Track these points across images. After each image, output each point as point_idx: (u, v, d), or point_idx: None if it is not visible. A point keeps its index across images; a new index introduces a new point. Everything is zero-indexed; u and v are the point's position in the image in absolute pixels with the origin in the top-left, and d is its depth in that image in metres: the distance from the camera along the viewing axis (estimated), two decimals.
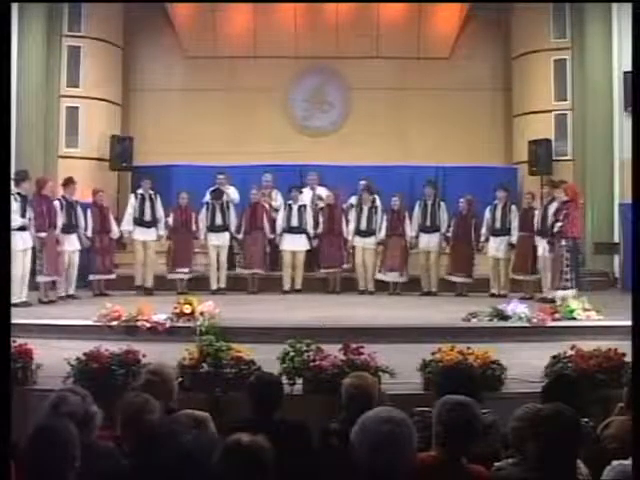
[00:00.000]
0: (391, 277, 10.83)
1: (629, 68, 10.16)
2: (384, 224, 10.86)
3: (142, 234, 10.72)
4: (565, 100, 12.86)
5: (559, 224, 9.02)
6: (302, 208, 11.04)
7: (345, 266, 11.01)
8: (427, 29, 13.91)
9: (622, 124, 11.77)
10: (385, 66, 13.90)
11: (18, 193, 9.09)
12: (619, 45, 11.85)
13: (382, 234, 10.85)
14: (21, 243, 8.99)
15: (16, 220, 8.84)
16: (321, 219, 11.06)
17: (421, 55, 13.99)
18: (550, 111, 12.97)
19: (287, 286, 10.88)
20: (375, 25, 13.84)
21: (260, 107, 13.68)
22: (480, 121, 13.85)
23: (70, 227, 9.95)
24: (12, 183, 9.19)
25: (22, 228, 9.04)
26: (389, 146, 13.62)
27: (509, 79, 13.96)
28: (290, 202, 11.08)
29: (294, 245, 10.96)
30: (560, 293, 8.82)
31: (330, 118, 14.28)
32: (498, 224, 10.64)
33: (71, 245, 9.96)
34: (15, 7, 11.15)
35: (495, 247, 10.65)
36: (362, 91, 13.88)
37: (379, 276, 10.87)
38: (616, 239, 11.76)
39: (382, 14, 13.81)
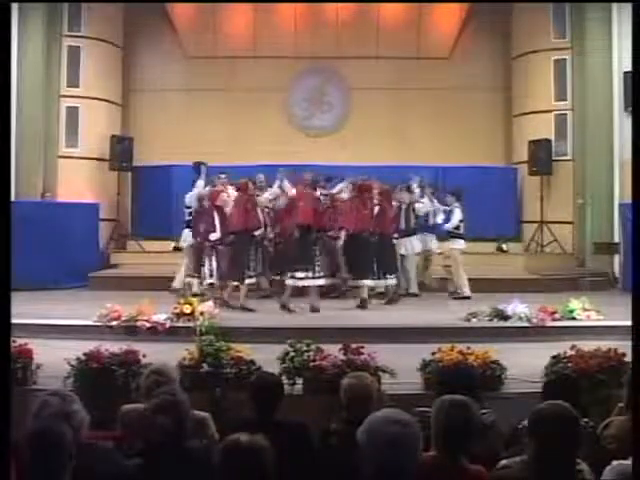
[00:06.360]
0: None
1: (629, 68, 10.16)
2: None
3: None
4: (565, 100, 12.86)
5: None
6: None
7: None
8: (427, 29, 13.92)
9: (622, 124, 11.76)
10: (385, 66, 13.90)
11: None
12: (619, 45, 11.84)
13: None
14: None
15: None
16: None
17: (421, 55, 14.00)
18: (550, 111, 12.98)
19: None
20: (375, 25, 13.84)
21: (260, 107, 13.68)
22: (480, 121, 13.84)
23: None
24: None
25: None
26: (389, 146, 13.62)
27: (509, 79, 13.96)
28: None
29: None
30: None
31: (330, 118, 14.29)
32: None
33: None
34: (15, 7, 11.16)
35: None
36: (362, 91, 13.89)
37: None
38: (616, 239, 11.75)
39: (382, 14, 13.81)
